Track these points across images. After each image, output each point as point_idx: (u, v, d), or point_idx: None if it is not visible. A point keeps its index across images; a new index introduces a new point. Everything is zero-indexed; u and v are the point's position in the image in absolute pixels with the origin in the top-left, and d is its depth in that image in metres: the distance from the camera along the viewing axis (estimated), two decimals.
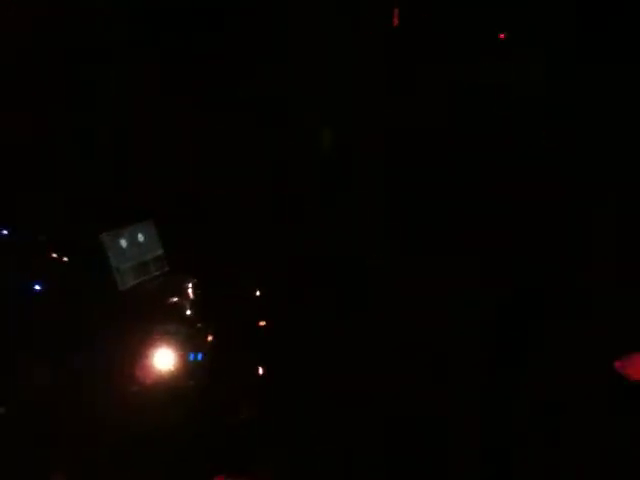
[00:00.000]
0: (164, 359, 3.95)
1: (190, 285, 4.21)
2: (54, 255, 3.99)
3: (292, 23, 4.44)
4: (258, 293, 4.27)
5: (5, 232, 3.94)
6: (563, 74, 4.65)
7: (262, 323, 4.21)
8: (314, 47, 4.45)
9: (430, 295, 4.37)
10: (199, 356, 4.00)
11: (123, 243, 4.05)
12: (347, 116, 4.52)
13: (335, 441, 3.97)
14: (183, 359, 3.98)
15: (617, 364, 3.90)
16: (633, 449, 3.70)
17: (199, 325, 4.10)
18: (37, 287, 3.93)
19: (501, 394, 4.13)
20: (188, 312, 4.14)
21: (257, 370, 4.10)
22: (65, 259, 4.00)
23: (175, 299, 4.14)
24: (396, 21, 4.50)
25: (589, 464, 3.80)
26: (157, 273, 4.21)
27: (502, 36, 4.58)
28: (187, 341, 4.01)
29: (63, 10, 4.21)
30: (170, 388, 3.93)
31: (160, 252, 4.24)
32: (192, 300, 4.16)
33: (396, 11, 4.48)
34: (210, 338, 4.09)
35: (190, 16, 4.48)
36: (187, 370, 3.98)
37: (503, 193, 4.57)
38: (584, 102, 4.57)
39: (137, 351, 3.93)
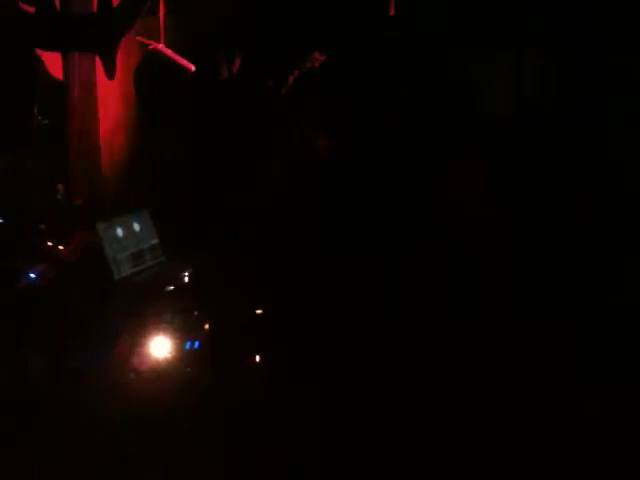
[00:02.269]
0: (160, 348, 3.91)
1: (186, 274, 4.20)
2: (50, 244, 4.00)
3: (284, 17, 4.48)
4: (255, 281, 4.24)
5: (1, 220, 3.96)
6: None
7: (259, 311, 4.18)
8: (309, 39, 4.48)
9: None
10: (195, 344, 3.96)
11: (118, 232, 4.05)
12: (342, 109, 4.52)
13: (334, 429, 3.89)
14: (179, 348, 3.94)
15: None
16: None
17: (195, 313, 4.07)
18: (32, 275, 3.93)
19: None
20: (184, 301, 4.11)
21: (254, 358, 4.05)
22: (60, 247, 4.01)
23: (171, 288, 4.12)
24: (392, 10, 4.52)
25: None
26: (153, 262, 4.20)
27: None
28: (183, 330, 3.97)
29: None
30: (167, 376, 3.89)
31: (155, 241, 4.24)
32: (188, 289, 4.14)
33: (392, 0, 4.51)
34: (207, 327, 4.05)
35: None
36: (183, 358, 3.94)
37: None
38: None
39: (133, 340, 3.90)
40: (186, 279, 4.17)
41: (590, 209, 4.86)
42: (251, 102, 4.69)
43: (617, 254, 4.68)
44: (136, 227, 4.15)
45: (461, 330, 4.25)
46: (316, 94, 4.88)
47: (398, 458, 3.73)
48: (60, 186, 4.29)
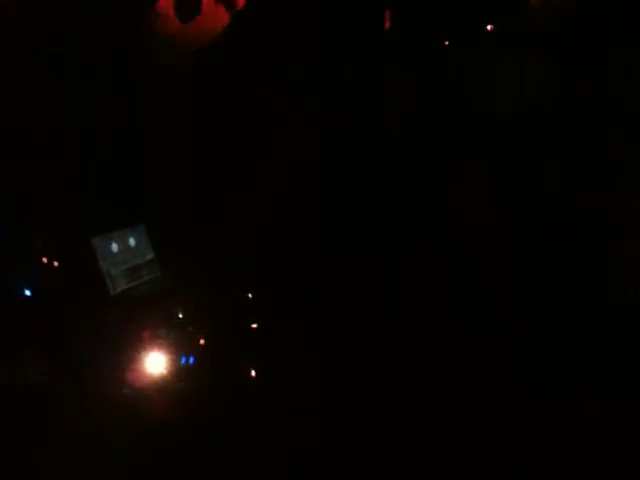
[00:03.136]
0: (155, 363, 3.94)
1: (181, 289, 4.21)
2: (44, 260, 4.01)
3: (282, 27, 4.46)
4: (250, 296, 4.25)
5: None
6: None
7: (254, 326, 4.20)
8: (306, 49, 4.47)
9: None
10: (190, 360, 3.99)
11: (114, 247, 4.06)
12: (339, 119, 4.51)
13: (330, 444, 3.92)
14: (174, 363, 3.97)
15: None
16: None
17: (190, 329, 4.09)
18: (27, 292, 3.94)
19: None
20: (179, 315, 4.13)
21: (249, 373, 4.07)
22: (56, 264, 4.02)
23: (166, 303, 4.14)
24: (387, 23, 4.49)
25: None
26: (148, 277, 4.21)
27: (490, 28, 4.57)
28: (178, 345, 4.00)
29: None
30: (161, 391, 3.92)
31: (151, 256, 4.24)
32: (183, 304, 4.16)
33: (387, 13, 4.48)
34: (202, 342, 4.08)
35: None
36: (178, 373, 3.97)
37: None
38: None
39: (128, 355, 3.93)
40: (182, 293, 4.18)
41: (589, 209, 4.84)
42: (251, 102, 4.68)
43: (617, 254, 4.66)
44: (132, 242, 4.16)
45: (461, 331, 4.27)
46: (316, 94, 4.86)
47: (398, 458, 3.78)
48: None
